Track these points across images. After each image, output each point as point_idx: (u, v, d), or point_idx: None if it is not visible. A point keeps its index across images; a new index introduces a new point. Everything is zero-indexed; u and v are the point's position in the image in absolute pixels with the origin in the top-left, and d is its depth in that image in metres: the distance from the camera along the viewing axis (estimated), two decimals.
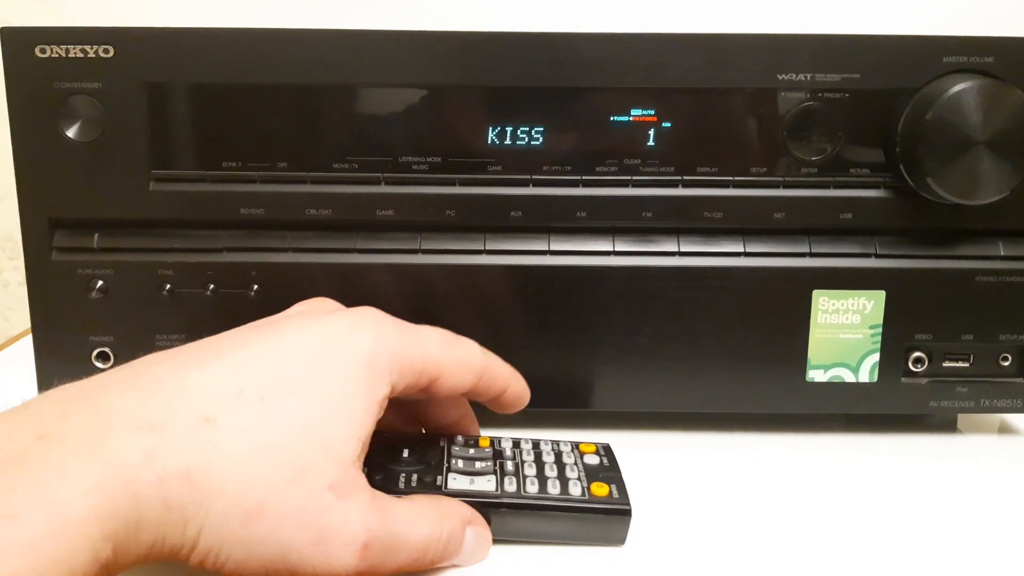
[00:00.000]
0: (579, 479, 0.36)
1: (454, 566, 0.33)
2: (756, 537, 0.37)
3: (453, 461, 0.36)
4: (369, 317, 0.33)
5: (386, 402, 0.32)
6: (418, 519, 0.32)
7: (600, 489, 0.35)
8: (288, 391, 0.29)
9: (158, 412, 0.27)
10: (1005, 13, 0.57)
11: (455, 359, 0.35)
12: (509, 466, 0.36)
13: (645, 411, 0.46)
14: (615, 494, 0.35)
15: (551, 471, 0.36)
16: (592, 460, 0.37)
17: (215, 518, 0.27)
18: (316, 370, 0.30)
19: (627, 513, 0.35)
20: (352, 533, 0.29)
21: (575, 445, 0.39)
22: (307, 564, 0.28)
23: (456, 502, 0.34)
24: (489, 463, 0.36)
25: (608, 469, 0.37)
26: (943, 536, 0.37)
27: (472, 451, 0.37)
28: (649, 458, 0.38)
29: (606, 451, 0.38)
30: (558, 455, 0.38)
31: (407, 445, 0.37)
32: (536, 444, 0.38)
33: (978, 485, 0.42)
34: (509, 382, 0.38)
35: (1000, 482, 0.42)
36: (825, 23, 0.50)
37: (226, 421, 0.28)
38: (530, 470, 0.36)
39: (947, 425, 0.49)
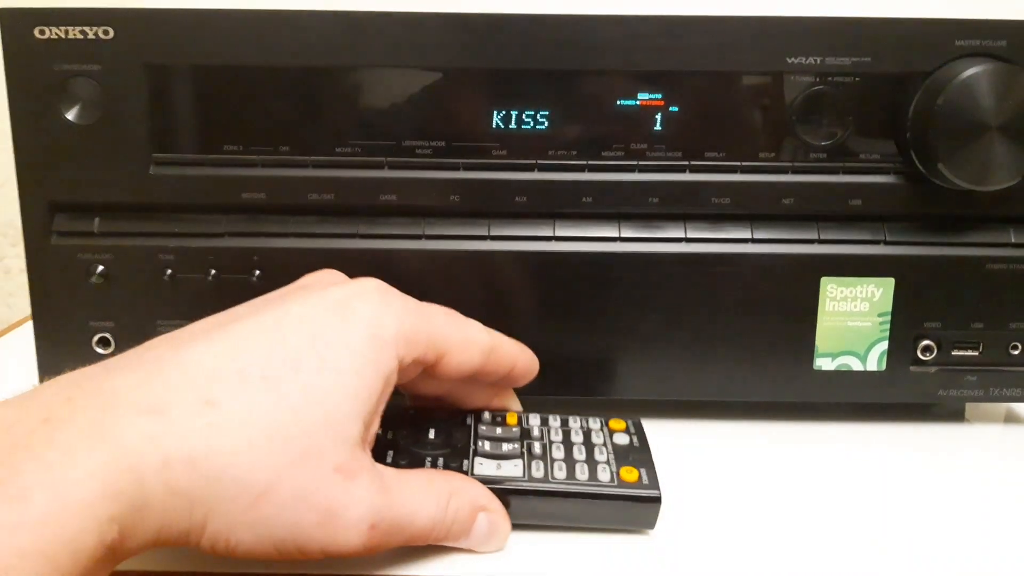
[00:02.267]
0: (608, 463, 0.35)
1: (469, 552, 0.33)
2: (765, 525, 0.37)
3: (480, 443, 0.36)
4: (374, 287, 0.33)
5: (395, 377, 0.31)
6: (425, 498, 0.31)
7: (629, 474, 0.35)
8: (291, 368, 0.28)
9: (161, 394, 0.27)
10: None
11: (462, 336, 0.34)
12: (536, 448, 0.36)
13: (650, 399, 0.46)
14: (645, 479, 0.35)
15: (579, 453, 0.36)
16: (622, 440, 0.37)
17: (221, 503, 0.27)
18: (319, 344, 0.29)
19: (656, 500, 0.34)
20: (358, 514, 0.29)
21: (604, 422, 0.38)
22: (315, 543, 0.28)
23: (472, 484, 0.33)
24: (516, 445, 0.36)
25: (638, 450, 0.36)
26: (950, 526, 0.37)
27: (499, 430, 0.37)
28: (655, 446, 0.38)
29: (636, 429, 0.38)
30: (587, 434, 0.37)
31: (434, 424, 0.37)
32: (564, 422, 0.38)
33: (985, 475, 0.42)
34: (516, 359, 0.37)
35: (1008, 472, 0.42)
36: (835, 6, 0.49)
37: (229, 403, 0.27)
38: (558, 452, 0.36)
39: (955, 415, 0.48)
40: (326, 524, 0.28)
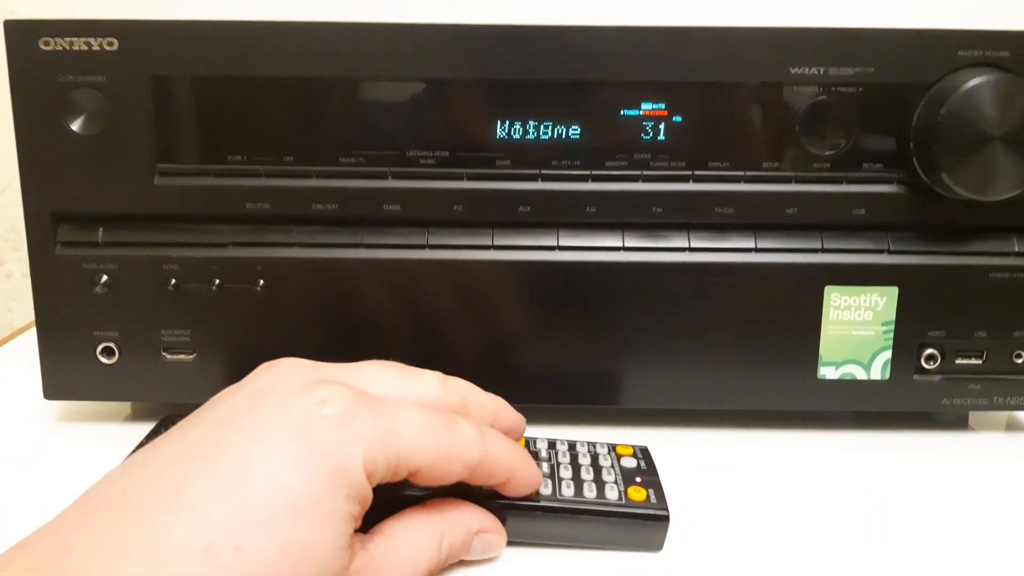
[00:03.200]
0: (616, 483, 0.35)
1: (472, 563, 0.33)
2: (771, 534, 0.37)
3: None
4: (339, 402, 0.30)
5: (370, 494, 0.30)
6: (418, 551, 0.31)
7: (637, 493, 0.35)
8: (261, 530, 0.26)
9: None
10: (1021, 6, 0.56)
11: (441, 452, 0.31)
12: (545, 468, 0.36)
13: (654, 408, 0.46)
14: (653, 499, 0.35)
15: (587, 474, 0.36)
16: (629, 463, 0.37)
17: None
18: (287, 494, 0.27)
19: (665, 519, 0.34)
20: None
21: (612, 447, 0.38)
22: None
23: (463, 509, 0.33)
24: None
25: (646, 472, 0.37)
26: (954, 533, 0.37)
27: None
28: (658, 455, 0.38)
29: (643, 454, 0.38)
30: (594, 457, 0.37)
31: None
32: (572, 446, 0.38)
33: (989, 482, 0.42)
34: (514, 471, 0.33)
35: (1011, 479, 0.42)
36: (839, 17, 0.49)
37: None
38: (566, 472, 0.36)
39: (958, 422, 0.48)
40: None
